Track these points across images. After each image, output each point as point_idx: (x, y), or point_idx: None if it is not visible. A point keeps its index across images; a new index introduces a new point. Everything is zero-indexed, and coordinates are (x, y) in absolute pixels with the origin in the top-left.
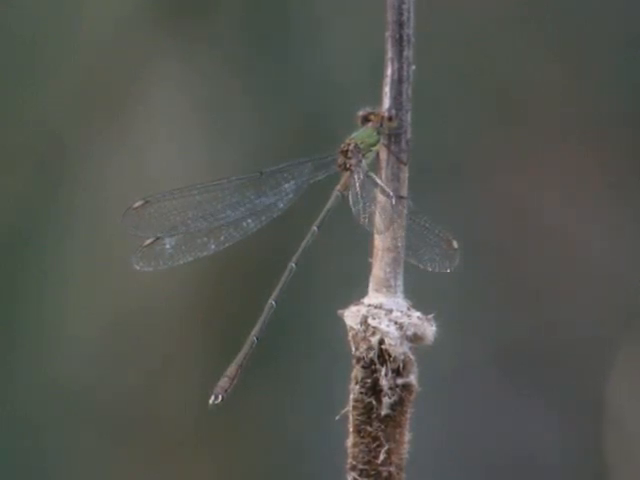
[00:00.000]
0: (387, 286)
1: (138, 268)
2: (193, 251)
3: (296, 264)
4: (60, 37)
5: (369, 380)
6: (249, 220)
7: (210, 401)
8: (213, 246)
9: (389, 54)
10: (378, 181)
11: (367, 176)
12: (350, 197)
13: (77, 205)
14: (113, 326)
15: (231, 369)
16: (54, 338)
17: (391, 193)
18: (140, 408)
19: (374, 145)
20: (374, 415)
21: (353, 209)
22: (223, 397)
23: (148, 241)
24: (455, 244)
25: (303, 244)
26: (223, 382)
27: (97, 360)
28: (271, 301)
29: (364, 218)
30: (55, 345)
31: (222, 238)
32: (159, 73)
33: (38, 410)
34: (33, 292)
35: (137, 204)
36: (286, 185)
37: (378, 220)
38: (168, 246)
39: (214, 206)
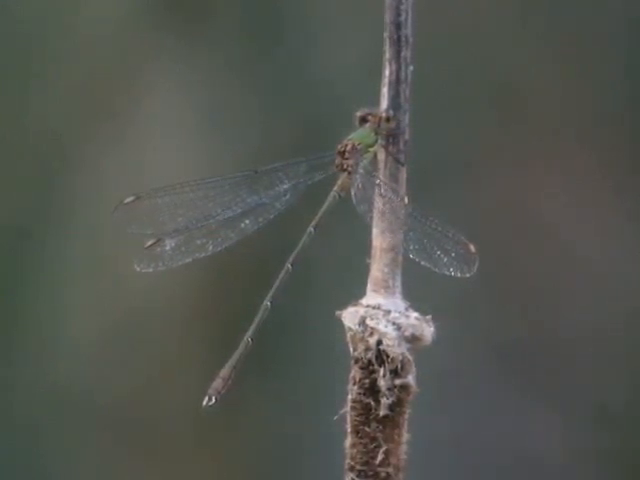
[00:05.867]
0: (385, 287)
1: (139, 269)
2: (192, 252)
3: (292, 265)
4: (60, 37)
5: (367, 381)
6: (247, 221)
7: (204, 402)
8: (211, 247)
9: (387, 55)
10: (386, 181)
11: (372, 176)
12: (354, 197)
13: (77, 205)
14: (113, 327)
15: (225, 370)
16: (54, 339)
17: (401, 192)
18: (140, 409)
19: (372, 146)
20: (372, 416)
21: (358, 209)
22: (217, 398)
23: (149, 242)
24: (472, 248)
25: (299, 245)
26: (217, 383)
27: (97, 361)
28: (266, 302)
29: (371, 218)
30: (55, 346)
31: (220, 239)
32: (158, 73)
33: (38, 411)
34: (33, 292)
35: (128, 200)
36: (282, 186)
37: (386, 220)
38: (168, 247)
39: (206, 204)
